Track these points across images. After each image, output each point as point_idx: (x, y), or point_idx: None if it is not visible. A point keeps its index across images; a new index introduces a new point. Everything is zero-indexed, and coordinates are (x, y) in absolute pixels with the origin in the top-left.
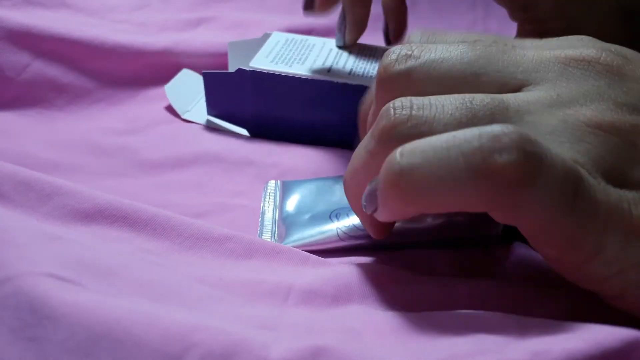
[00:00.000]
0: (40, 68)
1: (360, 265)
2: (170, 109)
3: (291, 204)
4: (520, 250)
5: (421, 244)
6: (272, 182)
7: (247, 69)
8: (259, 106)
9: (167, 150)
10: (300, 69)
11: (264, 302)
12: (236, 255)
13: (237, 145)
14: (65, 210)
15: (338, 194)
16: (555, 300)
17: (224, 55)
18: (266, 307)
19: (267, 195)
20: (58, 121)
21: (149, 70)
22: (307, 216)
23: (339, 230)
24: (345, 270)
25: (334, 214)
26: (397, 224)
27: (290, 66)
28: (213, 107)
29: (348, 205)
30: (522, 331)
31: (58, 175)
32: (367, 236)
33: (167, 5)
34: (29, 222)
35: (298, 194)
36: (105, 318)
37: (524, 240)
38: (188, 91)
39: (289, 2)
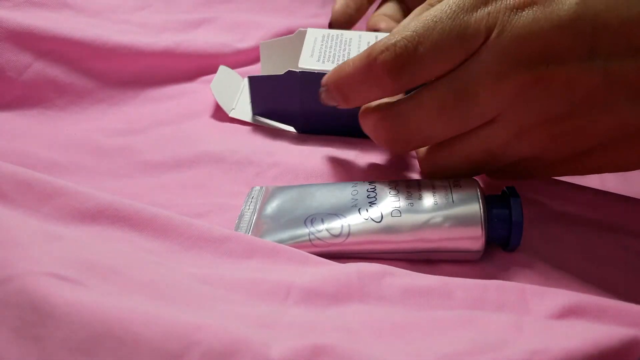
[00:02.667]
0: (42, 68)
1: (360, 265)
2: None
3: (270, 208)
4: (516, 252)
5: (402, 254)
6: (256, 188)
7: (297, 70)
8: (307, 105)
9: (168, 150)
10: None
11: (264, 301)
12: (236, 255)
13: (237, 146)
14: (66, 210)
15: (318, 200)
16: (553, 299)
17: (225, 56)
18: (266, 306)
19: (250, 199)
20: (59, 121)
21: (150, 70)
22: (283, 220)
23: (311, 235)
24: (345, 269)
25: (309, 219)
26: (373, 237)
27: (337, 64)
28: (258, 107)
29: (324, 211)
30: (520, 330)
31: (59, 176)
32: (339, 243)
33: (168, 6)
34: (30, 222)
35: (279, 199)
36: (106, 317)
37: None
38: (230, 89)
39: (288, 2)
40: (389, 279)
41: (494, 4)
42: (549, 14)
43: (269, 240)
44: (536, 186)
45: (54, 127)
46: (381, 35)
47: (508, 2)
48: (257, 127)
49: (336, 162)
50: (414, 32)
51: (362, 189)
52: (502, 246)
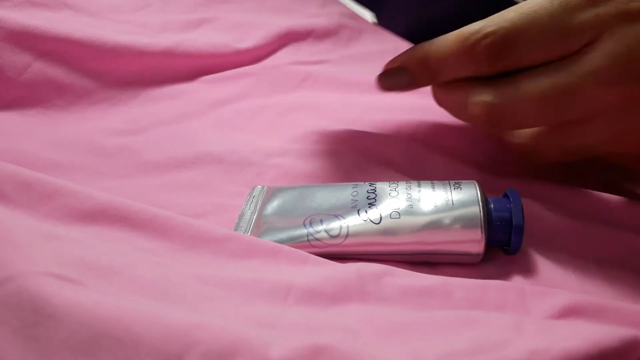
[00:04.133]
0: (42, 68)
1: (360, 265)
2: None
3: (271, 208)
4: (516, 254)
5: (401, 256)
6: (258, 187)
7: None
8: None
9: (168, 150)
10: None
11: (264, 301)
12: (236, 255)
13: (238, 146)
14: (66, 210)
15: (318, 201)
16: (553, 299)
17: (225, 56)
18: (266, 306)
19: (251, 198)
20: (59, 121)
21: (150, 70)
22: (282, 220)
23: (309, 236)
24: (345, 269)
25: (308, 220)
26: (371, 239)
27: None
28: None
29: (324, 212)
30: (520, 330)
31: (59, 176)
32: (337, 244)
33: (168, 6)
34: (30, 222)
35: (280, 199)
36: (106, 317)
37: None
38: None
39: (288, 2)
40: (388, 279)
41: (603, 6)
42: None
43: (267, 239)
44: (537, 186)
45: (53, 127)
46: None
47: (620, 7)
48: (257, 127)
49: (337, 163)
50: (512, 24)
51: (363, 190)
52: (503, 250)
